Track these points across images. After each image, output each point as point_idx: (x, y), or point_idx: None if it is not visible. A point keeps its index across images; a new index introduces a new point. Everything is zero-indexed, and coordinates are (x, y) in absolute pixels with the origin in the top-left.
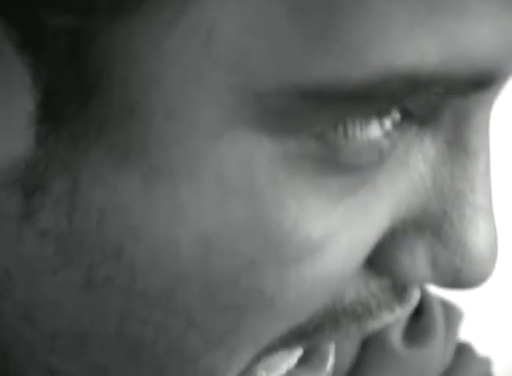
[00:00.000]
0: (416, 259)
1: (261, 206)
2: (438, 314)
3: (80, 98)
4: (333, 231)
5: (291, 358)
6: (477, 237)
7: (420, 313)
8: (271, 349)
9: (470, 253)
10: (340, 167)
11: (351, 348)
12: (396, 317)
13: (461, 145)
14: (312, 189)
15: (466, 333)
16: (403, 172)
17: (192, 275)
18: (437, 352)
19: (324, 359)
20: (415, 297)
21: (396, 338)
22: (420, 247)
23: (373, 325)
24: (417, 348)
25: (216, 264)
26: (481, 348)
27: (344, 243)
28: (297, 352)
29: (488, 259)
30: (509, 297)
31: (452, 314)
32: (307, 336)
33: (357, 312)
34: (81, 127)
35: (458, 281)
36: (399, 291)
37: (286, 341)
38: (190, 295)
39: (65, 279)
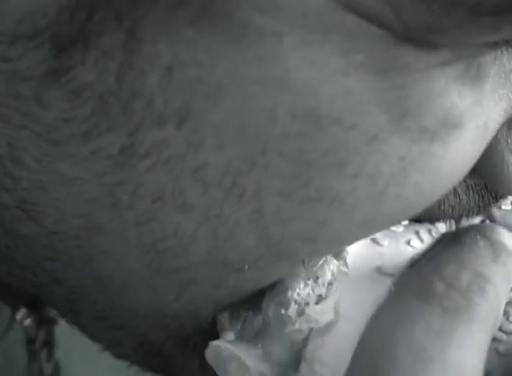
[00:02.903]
0: None
1: (403, 78)
2: None
3: None
4: (473, 109)
5: None
6: None
7: None
8: None
9: None
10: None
11: None
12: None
13: None
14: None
15: None
16: None
17: (283, 151)
18: None
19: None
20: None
21: None
22: None
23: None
24: None
25: (322, 142)
26: None
27: (481, 124)
28: None
29: None
30: None
31: None
32: None
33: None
34: None
35: None
36: (486, 199)
37: None
38: (268, 176)
39: (96, 147)
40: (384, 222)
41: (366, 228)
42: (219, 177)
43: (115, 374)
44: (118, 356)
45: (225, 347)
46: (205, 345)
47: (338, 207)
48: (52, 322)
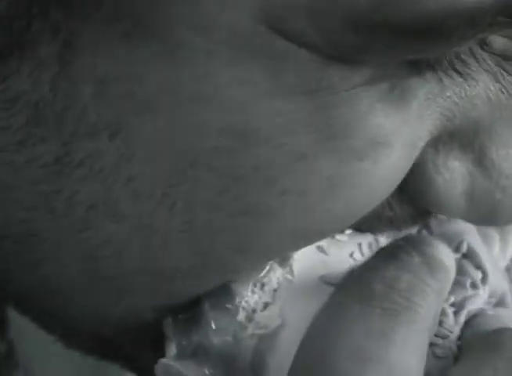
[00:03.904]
0: (453, 186)
1: (329, 98)
2: None
3: None
4: (400, 128)
5: None
6: None
7: None
8: None
9: None
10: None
11: None
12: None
13: None
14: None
15: None
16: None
17: (212, 165)
18: None
19: None
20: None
21: None
22: (459, 173)
23: None
24: None
25: (250, 159)
26: None
27: (408, 142)
28: None
29: None
30: None
31: None
32: None
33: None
34: None
35: (493, 216)
36: (419, 210)
37: None
38: (198, 189)
39: (31, 156)
40: (316, 235)
41: (298, 240)
42: (150, 188)
43: (70, 356)
44: (70, 346)
45: (172, 365)
46: (156, 340)
47: (268, 221)
48: (3, 300)
